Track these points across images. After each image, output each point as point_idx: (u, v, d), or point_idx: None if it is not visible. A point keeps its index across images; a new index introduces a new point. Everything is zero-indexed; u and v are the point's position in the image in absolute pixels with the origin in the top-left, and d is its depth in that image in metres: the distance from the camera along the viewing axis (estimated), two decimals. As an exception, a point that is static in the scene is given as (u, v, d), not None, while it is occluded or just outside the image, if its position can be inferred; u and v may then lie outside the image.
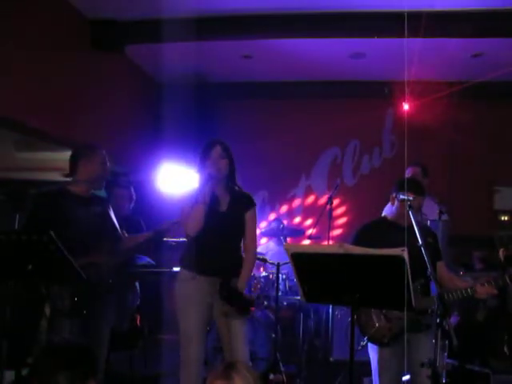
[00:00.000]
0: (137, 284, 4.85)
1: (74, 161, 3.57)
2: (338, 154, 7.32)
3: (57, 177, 6.40)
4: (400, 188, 3.27)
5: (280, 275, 5.03)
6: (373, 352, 3.36)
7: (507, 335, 5.15)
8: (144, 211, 5.36)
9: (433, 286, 3.00)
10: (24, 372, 3.50)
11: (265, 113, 7.26)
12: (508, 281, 3.11)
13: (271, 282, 5.40)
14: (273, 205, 7.34)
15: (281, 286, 5.26)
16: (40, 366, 2.15)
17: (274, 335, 4.81)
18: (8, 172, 6.82)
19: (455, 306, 5.04)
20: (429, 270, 2.78)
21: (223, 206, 3.44)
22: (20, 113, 4.40)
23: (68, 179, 3.57)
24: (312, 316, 5.72)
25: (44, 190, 3.48)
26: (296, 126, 7.13)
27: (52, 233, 2.57)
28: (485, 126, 6.76)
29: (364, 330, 3.28)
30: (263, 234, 6.18)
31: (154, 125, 6.94)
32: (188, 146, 5.25)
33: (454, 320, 5.06)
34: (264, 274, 5.50)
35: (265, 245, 6.36)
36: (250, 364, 3.90)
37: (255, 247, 3.59)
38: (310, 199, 7.33)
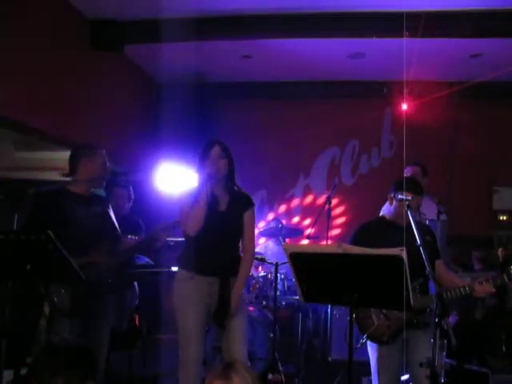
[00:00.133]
0: (135, 284, 4.86)
1: (74, 160, 3.57)
2: (336, 153, 7.32)
3: (56, 176, 6.40)
4: (398, 188, 3.27)
5: (278, 275, 5.03)
6: (372, 350, 3.36)
7: (505, 334, 5.16)
8: (143, 211, 5.36)
9: (431, 285, 3.01)
10: (23, 371, 3.51)
11: (264, 113, 7.26)
12: (507, 280, 3.11)
13: (270, 282, 5.40)
14: (271, 204, 7.35)
15: (279, 286, 5.26)
16: (39, 366, 2.15)
17: (272, 335, 4.81)
18: (7, 171, 6.82)
19: (453, 306, 5.05)
20: (427, 269, 2.78)
21: (222, 206, 3.44)
22: (20, 113, 4.40)
23: (68, 179, 3.57)
24: (310, 316, 5.72)
25: (43, 189, 3.48)
26: (295, 126, 7.13)
27: (50, 232, 2.57)
28: (484, 126, 6.77)
29: (363, 328, 3.29)
30: (262, 234, 6.18)
31: (154, 124, 6.94)
32: (187, 146, 5.26)
33: (452, 319, 5.07)
34: (262, 273, 5.51)
35: (263, 244, 6.36)
36: (249, 364, 3.90)
37: (253, 247, 3.60)
38: (309, 199, 7.34)
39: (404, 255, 2.34)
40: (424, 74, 5.66)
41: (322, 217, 5.55)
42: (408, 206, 3.05)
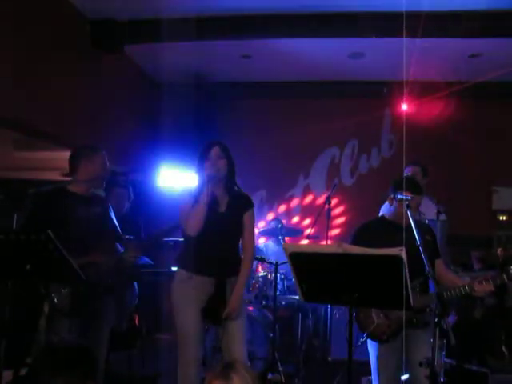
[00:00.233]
0: (135, 284, 4.86)
1: (74, 161, 3.57)
2: (336, 153, 7.32)
3: (56, 176, 6.40)
4: (397, 188, 3.28)
5: (278, 275, 5.03)
6: (372, 349, 3.37)
7: (505, 334, 5.16)
8: (143, 211, 5.36)
9: (431, 284, 3.01)
10: (22, 372, 3.51)
11: (264, 112, 7.26)
12: (506, 279, 3.11)
13: (269, 282, 5.40)
14: (271, 204, 7.35)
15: (279, 286, 5.26)
16: (39, 366, 2.15)
17: (272, 335, 4.81)
18: (7, 171, 6.82)
19: (453, 305, 5.05)
20: (427, 268, 2.79)
21: (222, 207, 3.44)
22: (20, 113, 4.41)
23: (67, 179, 3.58)
24: (310, 316, 5.72)
25: (43, 189, 3.48)
26: (295, 126, 7.13)
27: (50, 232, 2.57)
28: (483, 126, 6.77)
29: (363, 327, 3.29)
30: (262, 234, 6.18)
31: (154, 124, 6.94)
32: (187, 146, 5.26)
33: (451, 319, 5.07)
34: (262, 273, 5.51)
35: (263, 244, 6.37)
36: (249, 364, 3.90)
37: (253, 249, 3.59)
38: (309, 199, 7.34)
39: (403, 255, 2.34)
40: (424, 74, 5.67)
41: (322, 217, 5.55)
42: (407, 206, 3.06)
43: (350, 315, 2.66)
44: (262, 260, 5.17)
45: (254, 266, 5.76)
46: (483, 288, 3.15)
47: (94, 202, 3.60)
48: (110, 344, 3.72)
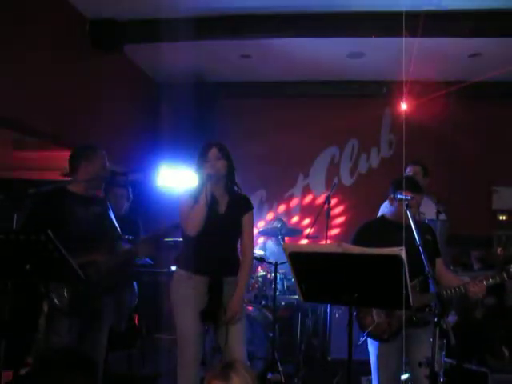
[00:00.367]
0: (135, 284, 4.86)
1: (73, 161, 3.57)
2: (336, 153, 7.32)
3: (56, 176, 6.40)
4: (397, 187, 3.28)
5: (278, 274, 5.03)
6: (372, 348, 3.37)
7: (505, 334, 5.16)
8: (142, 211, 5.37)
9: (431, 283, 3.01)
10: (22, 371, 3.51)
11: (263, 112, 7.26)
12: (506, 278, 3.11)
13: (269, 282, 5.41)
14: (271, 204, 7.35)
15: (279, 286, 5.26)
16: (40, 375, 2.15)
17: (271, 335, 4.82)
18: (7, 171, 6.82)
19: (453, 305, 5.05)
20: (426, 268, 2.78)
21: (222, 207, 3.44)
22: (20, 113, 4.41)
23: (67, 179, 3.58)
24: (310, 315, 5.73)
25: (43, 189, 3.47)
26: (294, 126, 7.13)
27: (50, 232, 2.57)
28: (483, 125, 6.77)
29: (364, 326, 3.29)
30: (261, 234, 6.18)
31: (153, 124, 6.95)
32: (187, 146, 5.27)
33: (451, 319, 5.07)
34: (262, 273, 5.51)
35: (263, 244, 6.37)
36: (248, 364, 3.90)
37: (252, 252, 3.59)
38: (308, 198, 7.34)
39: (403, 255, 2.34)
40: (423, 73, 5.67)
41: (322, 216, 5.55)
42: (408, 206, 3.06)
43: (350, 315, 2.66)
44: (262, 260, 5.18)
45: (254, 266, 5.77)
46: (476, 289, 3.13)
47: (93, 201, 3.61)
48: (110, 344, 3.72)
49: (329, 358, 5.40)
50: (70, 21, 5.11)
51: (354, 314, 3.31)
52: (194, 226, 3.29)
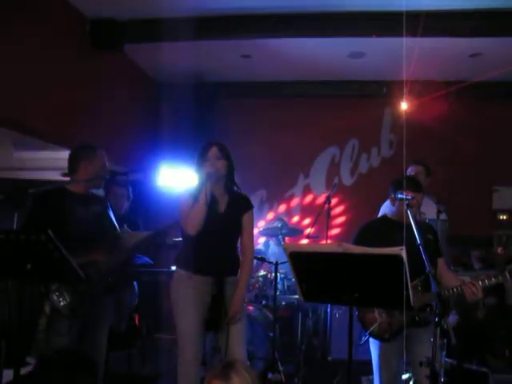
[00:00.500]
0: (135, 283, 4.86)
1: (73, 160, 3.57)
2: (336, 153, 7.32)
3: (56, 176, 6.40)
4: (397, 187, 3.28)
5: (278, 274, 5.03)
6: (374, 347, 3.37)
7: (505, 334, 5.15)
8: (142, 210, 5.36)
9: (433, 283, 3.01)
10: (23, 371, 3.50)
11: (264, 112, 7.26)
12: (508, 277, 3.10)
13: (269, 281, 5.40)
14: (271, 204, 7.35)
15: (279, 286, 5.26)
16: (41, 375, 2.15)
17: (272, 334, 4.81)
18: (7, 171, 6.81)
19: (454, 305, 5.04)
20: (427, 267, 2.78)
21: (222, 207, 3.44)
22: (20, 113, 4.40)
23: (68, 179, 3.57)
24: (310, 315, 5.72)
25: (43, 189, 3.47)
26: (295, 126, 7.13)
27: (50, 232, 2.57)
28: (483, 125, 6.77)
29: (366, 326, 3.29)
30: (262, 234, 6.18)
31: (154, 123, 6.95)
32: (187, 145, 5.26)
33: (452, 319, 5.07)
34: (262, 273, 5.51)
35: (264, 244, 6.37)
36: (248, 363, 3.90)
37: (252, 251, 3.58)
38: (309, 198, 7.33)
39: (404, 254, 2.34)
40: (424, 73, 5.67)
41: (322, 216, 5.54)
42: (408, 205, 3.06)
43: (351, 315, 2.66)
44: (262, 260, 5.17)
45: (257, 266, 5.77)
46: (473, 289, 3.12)
47: (93, 201, 3.60)
48: (110, 344, 3.72)
49: (329, 358, 5.39)
50: (71, 20, 5.10)
51: (356, 313, 3.32)
52: (193, 225, 3.29)
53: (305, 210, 7.29)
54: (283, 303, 5.61)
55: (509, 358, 5.05)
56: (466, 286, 3.13)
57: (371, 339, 3.35)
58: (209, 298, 3.35)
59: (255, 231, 4.35)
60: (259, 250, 5.96)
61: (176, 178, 5.85)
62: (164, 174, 5.91)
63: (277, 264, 4.92)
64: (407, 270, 2.36)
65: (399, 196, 3.20)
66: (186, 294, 3.35)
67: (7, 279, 2.90)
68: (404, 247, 2.35)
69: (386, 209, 3.60)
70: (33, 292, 3.47)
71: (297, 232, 6.30)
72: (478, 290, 3.11)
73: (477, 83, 5.94)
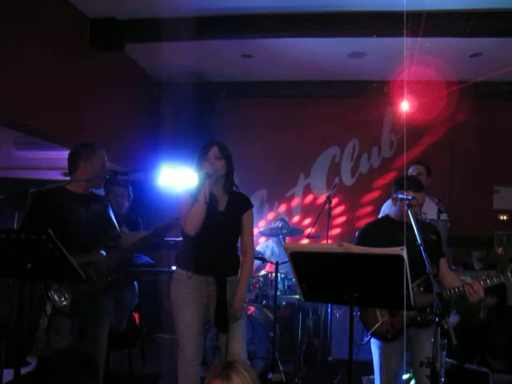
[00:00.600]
0: (135, 283, 4.86)
1: (73, 160, 3.57)
2: (337, 153, 7.32)
3: (57, 176, 6.41)
4: (398, 187, 3.28)
5: (279, 274, 5.03)
6: (375, 348, 3.37)
7: (506, 334, 5.14)
8: (142, 210, 5.36)
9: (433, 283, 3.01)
10: (23, 371, 3.50)
11: (264, 112, 7.26)
12: (509, 277, 3.09)
13: (270, 281, 5.40)
14: (272, 204, 7.35)
15: (279, 285, 5.26)
16: (42, 375, 2.15)
17: (272, 334, 4.81)
18: (8, 171, 6.82)
19: (452, 306, 5.04)
20: (428, 268, 2.78)
21: (221, 206, 3.44)
22: (20, 112, 4.40)
23: (67, 178, 3.57)
24: (311, 315, 5.72)
25: (43, 188, 3.47)
26: (295, 126, 7.13)
27: (51, 231, 2.57)
28: (484, 125, 6.76)
29: (368, 326, 3.29)
30: (262, 234, 6.18)
31: (154, 123, 6.94)
32: (187, 145, 5.27)
33: (453, 319, 5.06)
34: (263, 272, 5.51)
35: (264, 243, 6.37)
36: (249, 363, 3.90)
37: (253, 250, 3.58)
38: (309, 198, 7.33)
39: (404, 254, 2.34)
40: (424, 73, 5.66)
41: (323, 216, 5.55)
42: (409, 206, 3.06)
43: (351, 315, 2.65)
44: (263, 260, 5.17)
45: (259, 266, 5.78)
46: (474, 289, 3.12)
47: (93, 200, 3.60)
48: (111, 343, 3.72)
49: (329, 358, 5.39)
50: (71, 20, 5.10)
51: (358, 313, 3.32)
52: (193, 225, 3.29)
53: (305, 210, 7.29)
54: (284, 303, 5.61)
55: (509, 358, 5.04)
56: (467, 287, 3.12)
57: (372, 339, 3.35)
58: (209, 298, 3.35)
59: (255, 231, 4.35)
60: (258, 251, 5.96)
61: (176, 178, 5.84)
62: (164, 173, 5.90)
63: (277, 264, 4.92)
64: (408, 269, 2.36)
65: (400, 196, 3.20)
66: (185, 294, 3.35)
67: (8, 279, 2.89)
68: (405, 247, 2.35)
69: (386, 209, 3.60)
70: (33, 292, 3.47)
71: (297, 232, 6.30)
72: (480, 290, 3.11)
73: (477, 83, 5.93)
